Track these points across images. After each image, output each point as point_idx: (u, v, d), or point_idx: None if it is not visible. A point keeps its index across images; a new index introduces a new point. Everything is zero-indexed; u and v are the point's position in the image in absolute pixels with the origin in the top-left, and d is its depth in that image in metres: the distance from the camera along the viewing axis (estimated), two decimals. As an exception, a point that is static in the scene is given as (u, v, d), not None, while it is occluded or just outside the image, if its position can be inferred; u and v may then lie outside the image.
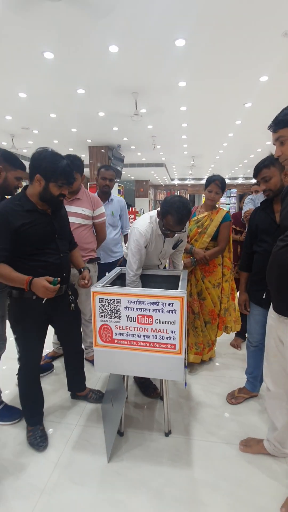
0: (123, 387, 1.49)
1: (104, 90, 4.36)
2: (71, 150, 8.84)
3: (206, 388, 1.97)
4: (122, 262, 2.10)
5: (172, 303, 1.27)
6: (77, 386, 1.80)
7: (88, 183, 8.16)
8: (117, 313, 1.35)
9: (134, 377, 1.98)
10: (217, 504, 1.21)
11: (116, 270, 1.79)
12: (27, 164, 1.41)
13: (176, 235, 1.61)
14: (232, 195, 15.88)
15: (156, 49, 3.22)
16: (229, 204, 15.65)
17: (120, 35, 2.97)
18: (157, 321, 1.31)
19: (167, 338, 1.31)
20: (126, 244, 1.64)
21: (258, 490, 1.26)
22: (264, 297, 1.52)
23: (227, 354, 2.43)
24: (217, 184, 1.99)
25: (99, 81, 4.05)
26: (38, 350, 1.51)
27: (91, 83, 4.14)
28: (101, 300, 1.36)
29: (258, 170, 1.53)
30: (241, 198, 3.11)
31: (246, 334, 1.80)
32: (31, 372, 1.52)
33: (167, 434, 1.55)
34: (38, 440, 1.48)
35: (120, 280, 1.78)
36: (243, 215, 2.46)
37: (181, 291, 1.29)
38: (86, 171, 8.89)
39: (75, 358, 1.74)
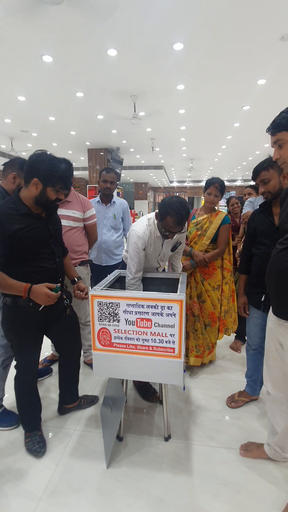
0: (122, 391, 1.47)
1: (103, 93, 4.38)
2: (70, 153, 8.87)
3: (206, 391, 1.95)
4: (122, 265, 2.09)
5: (171, 307, 1.27)
6: (70, 397, 1.72)
7: (87, 185, 8.17)
8: (116, 316, 1.34)
9: (134, 381, 1.96)
10: (217, 511, 1.19)
11: (115, 273, 1.78)
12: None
13: (174, 237, 1.60)
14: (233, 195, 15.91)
15: (155, 52, 3.24)
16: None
17: (119, 38, 2.99)
18: (156, 324, 1.30)
19: (166, 341, 1.30)
20: (125, 247, 1.63)
21: (259, 496, 1.24)
22: (263, 300, 1.52)
23: (227, 357, 2.41)
24: (216, 187, 2.00)
25: (98, 84, 4.07)
26: (35, 358, 1.48)
27: (90, 86, 4.15)
28: (100, 304, 1.35)
29: (257, 173, 1.53)
30: (228, 202, 3.11)
31: (246, 337, 1.79)
32: (28, 379, 1.49)
33: (167, 439, 1.54)
34: (36, 446, 1.45)
35: (119, 283, 1.77)
36: (241, 217, 2.46)
37: (180, 294, 1.29)
38: (85, 173, 8.93)
39: (72, 364, 1.67)
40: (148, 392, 1.87)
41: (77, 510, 1.19)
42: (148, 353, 1.33)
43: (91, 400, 1.80)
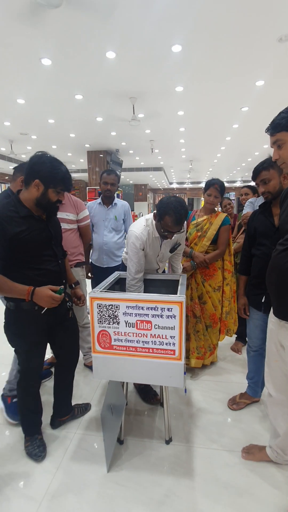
0: (122, 394, 1.46)
1: (102, 95, 4.39)
2: (70, 155, 8.89)
3: (207, 393, 1.94)
4: (122, 267, 2.09)
5: (171, 308, 1.26)
6: (65, 409, 1.65)
7: (87, 187, 8.18)
8: (116, 318, 1.33)
9: (134, 384, 1.95)
10: (219, 515, 1.18)
11: (115, 275, 1.77)
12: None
13: (173, 237, 1.59)
14: (230, 198, 15.95)
15: (153, 54, 3.25)
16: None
17: (117, 41, 3.00)
18: (156, 326, 1.29)
19: (166, 343, 1.29)
20: (125, 249, 1.63)
21: (261, 500, 1.23)
22: (263, 301, 1.51)
23: (228, 358, 2.40)
24: (216, 188, 2.00)
25: (97, 86, 4.09)
26: (40, 362, 1.45)
27: (89, 89, 4.17)
28: (99, 306, 1.34)
29: (257, 172, 1.53)
30: (221, 203, 3.10)
31: (247, 339, 1.78)
32: (32, 384, 1.46)
33: (168, 441, 1.52)
34: (36, 450, 1.43)
35: (119, 285, 1.76)
36: (241, 218, 2.45)
37: (180, 296, 1.28)
38: (85, 175, 8.95)
39: (69, 373, 1.61)
40: (149, 394, 1.86)
41: (77, 515, 1.18)
42: (148, 355, 1.32)
43: (84, 408, 1.76)
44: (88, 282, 2.43)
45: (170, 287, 1.73)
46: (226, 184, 2.46)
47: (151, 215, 1.62)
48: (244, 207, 2.51)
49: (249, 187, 2.67)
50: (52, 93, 4.32)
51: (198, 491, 1.27)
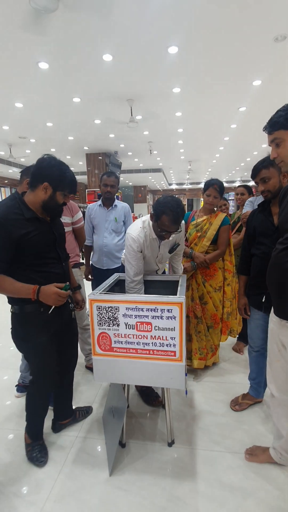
0: (123, 396, 1.45)
1: (100, 98, 4.41)
2: (69, 158, 8.91)
3: (209, 395, 1.92)
4: (122, 268, 2.09)
5: (171, 309, 1.25)
6: (66, 412, 1.65)
7: (86, 189, 8.19)
8: (116, 320, 1.32)
9: (136, 386, 1.94)
10: (224, 518, 1.16)
11: (114, 276, 1.76)
12: None
13: (172, 237, 1.58)
14: (230, 198, 15.96)
15: (150, 56, 3.26)
16: (229, 207, 15.68)
17: (114, 44, 3.01)
18: (156, 328, 1.28)
19: (167, 345, 1.28)
20: (124, 251, 1.62)
21: (266, 503, 1.21)
22: (263, 300, 1.49)
23: (230, 359, 2.38)
24: (215, 188, 1.99)
25: (94, 89, 4.10)
26: (52, 364, 1.41)
27: (87, 92, 4.18)
28: (99, 308, 1.33)
29: (257, 171, 1.52)
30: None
31: (248, 339, 1.76)
32: (46, 387, 1.44)
33: (170, 444, 1.51)
34: (38, 455, 1.42)
35: (118, 287, 1.75)
36: (241, 217, 2.45)
37: (180, 297, 1.27)
38: (84, 178, 8.96)
39: (70, 376, 1.62)
40: (150, 396, 1.84)
41: (79, 521, 1.16)
42: (149, 357, 1.31)
43: (85, 411, 1.74)
44: (88, 284, 2.43)
45: (170, 288, 1.72)
46: (225, 184, 2.46)
47: (147, 217, 1.61)
48: (244, 206, 2.51)
49: (245, 186, 2.66)
50: (50, 97, 4.33)
51: (202, 495, 1.25)
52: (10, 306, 1.33)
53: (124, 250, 1.62)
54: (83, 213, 2.44)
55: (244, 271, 1.68)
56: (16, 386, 1.99)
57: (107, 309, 1.32)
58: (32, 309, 1.27)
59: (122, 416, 1.41)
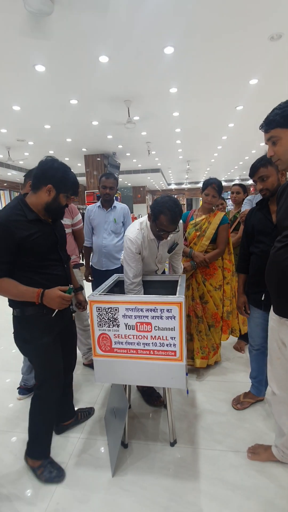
0: (124, 397, 1.45)
1: (97, 99, 4.41)
2: (67, 160, 8.92)
3: (210, 394, 1.92)
4: (121, 269, 2.10)
5: (171, 309, 1.25)
6: (68, 413, 1.64)
7: (85, 191, 8.20)
8: (115, 321, 1.32)
9: (137, 386, 1.94)
10: (227, 517, 1.16)
11: (114, 277, 1.77)
12: (22, 175, 1.40)
13: (170, 237, 1.59)
14: (228, 197, 15.94)
15: (146, 57, 3.27)
16: (227, 206, 15.67)
17: (110, 45, 3.02)
18: (156, 328, 1.28)
19: (167, 345, 1.29)
20: (123, 252, 1.63)
21: (269, 502, 1.21)
22: (263, 299, 1.49)
23: (231, 357, 2.38)
24: (214, 188, 1.99)
25: (91, 91, 4.11)
26: (59, 365, 1.37)
27: (84, 93, 4.19)
28: (99, 309, 1.33)
29: (255, 169, 1.52)
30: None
31: (248, 337, 1.77)
32: (54, 389, 1.36)
33: (172, 444, 1.51)
34: (54, 473, 1.34)
35: (118, 288, 1.75)
36: (239, 216, 2.45)
37: (179, 297, 1.27)
38: (82, 179, 8.96)
39: (70, 374, 1.60)
40: (152, 396, 1.84)
41: (83, 522, 1.17)
42: (149, 357, 1.31)
43: (87, 413, 1.74)
44: (88, 284, 2.43)
45: (169, 288, 1.72)
46: (224, 183, 2.45)
47: (145, 218, 1.61)
48: (242, 205, 2.51)
49: (240, 185, 2.67)
50: (47, 99, 4.34)
51: (205, 494, 1.25)
52: (11, 309, 1.31)
53: (123, 252, 1.62)
54: (82, 214, 2.46)
55: (243, 269, 1.68)
56: (18, 388, 2.00)
57: (107, 310, 1.32)
58: (33, 311, 1.26)
59: (123, 416, 1.41)
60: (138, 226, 1.59)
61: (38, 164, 1.27)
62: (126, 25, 2.70)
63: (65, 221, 2.03)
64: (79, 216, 2.18)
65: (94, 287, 2.41)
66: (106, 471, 1.38)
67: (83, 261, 2.51)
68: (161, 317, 1.27)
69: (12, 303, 1.29)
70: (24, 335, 1.30)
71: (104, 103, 4.57)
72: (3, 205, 8.24)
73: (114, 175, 2.42)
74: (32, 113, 4.92)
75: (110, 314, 1.32)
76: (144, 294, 1.66)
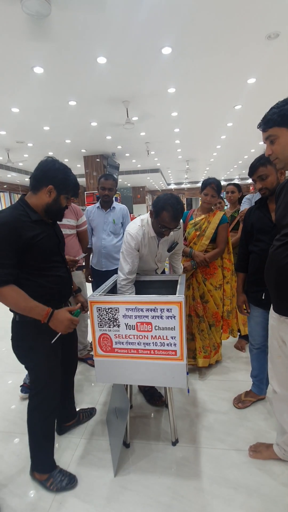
0: (126, 397, 1.45)
1: (95, 100, 4.42)
2: (67, 161, 8.93)
3: (212, 393, 1.93)
4: None
5: (171, 309, 1.25)
6: (70, 414, 1.64)
7: (85, 192, 8.21)
8: (116, 321, 1.32)
9: (139, 386, 1.94)
10: (229, 516, 1.16)
11: (113, 278, 1.77)
12: (22, 176, 1.38)
13: (170, 235, 1.60)
14: (223, 198, 15.93)
15: (143, 58, 3.28)
16: (227, 205, 15.67)
17: (107, 46, 3.03)
18: (156, 327, 1.29)
19: (167, 344, 1.29)
20: (121, 246, 1.64)
21: (271, 500, 1.21)
22: (263, 297, 1.50)
23: (232, 356, 2.39)
24: (213, 187, 2.00)
25: (90, 92, 4.12)
26: (58, 374, 1.34)
27: (82, 95, 4.20)
28: (99, 309, 1.34)
29: (254, 169, 1.52)
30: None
31: (248, 336, 1.77)
32: (54, 404, 1.33)
33: (174, 443, 1.51)
34: (65, 481, 1.30)
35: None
36: (239, 215, 2.45)
37: (179, 296, 1.27)
38: (82, 180, 8.98)
39: (71, 378, 1.59)
40: (154, 396, 1.85)
41: (85, 522, 1.17)
42: (150, 357, 1.31)
43: (89, 413, 1.74)
44: (88, 285, 2.44)
45: (170, 287, 1.73)
46: (224, 183, 2.45)
47: (146, 215, 1.62)
48: (241, 204, 2.51)
49: (234, 184, 2.67)
50: (46, 101, 4.35)
51: (207, 492, 1.26)
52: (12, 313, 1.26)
53: (122, 246, 1.63)
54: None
55: (242, 268, 1.68)
56: (21, 386, 2.00)
57: (107, 310, 1.33)
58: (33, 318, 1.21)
59: (125, 416, 1.41)
60: (139, 223, 1.60)
61: (38, 164, 1.25)
62: (123, 26, 2.71)
63: (70, 222, 2.05)
64: (84, 218, 2.20)
65: (94, 288, 2.41)
66: (109, 471, 1.38)
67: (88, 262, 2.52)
68: (161, 317, 1.27)
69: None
70: (25, 341, 1.24)
71: (102, 104, 4.58)
72: (3, 207, 8.23)
73: (113, 176, 2.43)
74: (31, 115, 4.93)
75: (110, 315, 1.33)
76: (144, 294, 1.66)
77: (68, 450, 1.52)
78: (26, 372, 1.98)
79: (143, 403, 1.86)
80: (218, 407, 1.79)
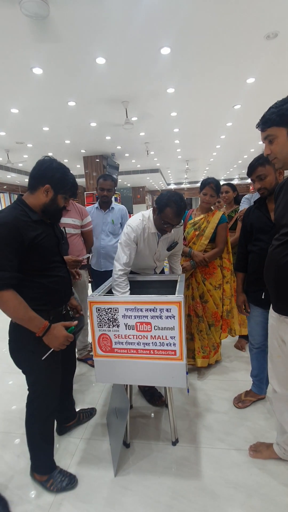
0: (125, 397, 1.45)
1: (95, 101, 4.42)
2: (66, 161, 8.94)
3: (212, 393, 1.93)
4: None
5: (170, 309, 1.25)
6: (69, 414, 1.64)
7: (85, 192, 8.22)
8: (115, 322, 1.33)
9: (139, 386, 1.94)
10: (229, 515, 1.16)
11: (113, 278, 1.77)
12: (22, 177, 1.36)
13: (171, 235, 1.61)
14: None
15: (142, 58, 3.28)
16: (224, 205, 15.65)
17: (106, 47, 3.03)
18: (155, 327, 1.29)
19: (167, 344, 1.29)
20: (120, 236, 1.65)
21: (271, 499, 1.21)
22: (263, 297, 1.50)
23: (232, 356, 2.39)
24: (211, 187, 2.00)
25: (89, 92, 4.12)
26: (58, 379, 1.32)
27: (81, 95, 4.20)
28: (99, 310, 1.34)
29: (253, 168, 1.52)
30: None
31: (248, 336, 1.77)
32: (52, 409, 1.32)
33: (174, 443, 1.51)
34: (65, 481, 1.30)
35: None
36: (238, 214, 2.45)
37: (178, 296, 1.27)
38: (82, 181, 8.98)
39: (70, 379, 1.60)
40: (154, 396, 1.85)
41: (86, 522, 1.17)
42: (150, 357, 1.32)
43: (89, 413, 1.74)
44: (88, 285, 2.44)
45: (169, 287, 1.73)
46: (223, 182, 2.46)
47: (148, 211, 1.64)
48: (240, 204, 2.52)
49: (229, 184, 2.68)
50: (45, 101, 4.35)
51: (207, 492, 1.26)
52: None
53: (120, 237, 1.63)
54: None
55: (241, 268, 1.68)
56: None
57: (106, 310, 1.33)
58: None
59: (125, 416, 1.41)
60: (140, 217, 1.62)
61: (36, 164, 1.23)
62: (122, 27, 2.71)
63: (75, 221, 2.06)
64: (89, 218, 2.20)
65: (93, 288, 2.42)
66: (109, 471, 1.38)
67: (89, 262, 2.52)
68: (161, 317, 1.27)
69: None
70: (27, 345, 1.19)
71: (102, 105, 4.58)
72: (3, 208, 8.24)
73: (112, 177, 2.44)
74: (30, 116, 4.93)
75: (110, 315, 1.33)
76: (143, 294, 1.66)
77: (68, 450, 1.52)
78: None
79: (143, 403, 1.86)
80: (218, 406, 1.79)
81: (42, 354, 1.18)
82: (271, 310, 1.25)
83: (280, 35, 2.97)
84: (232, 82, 4.04)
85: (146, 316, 1.29)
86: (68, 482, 1.31)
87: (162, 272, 2.04)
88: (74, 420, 1.66)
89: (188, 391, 1.48)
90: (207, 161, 10.99)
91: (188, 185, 17.40)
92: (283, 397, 1.27)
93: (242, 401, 1.77)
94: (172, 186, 17.98)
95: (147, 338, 1.30)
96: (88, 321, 1.44)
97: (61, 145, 7.08)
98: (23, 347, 1.20)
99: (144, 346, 1.32)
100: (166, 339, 1.28)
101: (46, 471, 1.33)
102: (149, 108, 4.91)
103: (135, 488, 1.29)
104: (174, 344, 1.28)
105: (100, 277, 2.30)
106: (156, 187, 17.45)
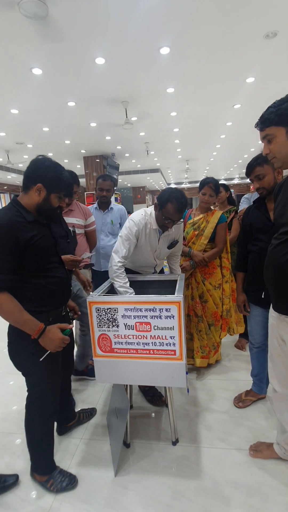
0: (126, 397, 1.45)
1: (94, 101, 4.43)
2: (66, 162, 8.95)
3: (212, 392, 1.93)
4: None
5: (169, 309, 1.25)
6: (69, 414, 1.64)
7: (85, 192, 8.22)
8: (115, 322, 1.33)
9: (139, 386, 1.94)
10: (229, 515, 1.16)
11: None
12: (22, 177, 1.33)
13: (172, 233, 1.61)
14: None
15: (142, 58, 3.28)
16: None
17: (106, 47, 3.03)
18: (155, 327, 1.29)
19: (166, 344, 1.29)
20: (121, 230, 1.66)
21: (271, 499, 1.21)
22: (263, 296, 1.50)
23: (232, 356, 2.39)
24: (210, 187, 2.00)
25: (89, 93, 4.12)
26: (58, 381, 1.32)
27: (81, 95, 4.21)
28: (98, 310, 1.34)
29: (251, 168, 1.52)
30: None
31: (248, 335, 1.77)
32: (53, 410, 1.32)
33: (175, 443, 1.51)
34: (65, 482, 1.30)
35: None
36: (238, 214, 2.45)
37: (178, 296, 1.27)
38: (82, 181, 8.99)
39: (68, 380, 1.59)
40: (154, 396, 1.85)
41: (86, 522, 1.17)
42: (149, 356, 1.32)
43: (89, 413, 1.74)
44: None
45: (169, 287, 1.72)
46: (224, 182, 2.45)
47: (150, 208, 1.66)
48: (240, 203, 2.52)
49: (221, 184, 2.68)
50: (45, 102, 4.36)
51: (208, 492, 1.26)
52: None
53: (121, 230, 1.63)
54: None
55: (241, 268, 1.68)
56: None
57: (106, 310, 1.33)
58: (41, 318, 1.17)
59: (125, 416, 1.41)
60: (143, 213, 1.64)
61: (29, 163, 1.20)
62: (121, 27, 2.72)
63: (79, 221, 2.07)
64: (93, 218, 2.21)
65: (93, 288, 2.42)
66: (109, 471, 1.38)
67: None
68: (160, 317, 1.27)
69: None
70: (27, 347, 1.18)
71: (101, 105, 4.58)
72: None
73: (111, 177, 2.44)
74: (30, 116, 4.94)
75: (109, 315, 1.33)
76: (143, 294, 1.66)
77: (69, 450, 1.52)
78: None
79: (143, 403, 1.86)
80: (219, 406, 1.79)
81: (40, 356, 1.17)
82: (271, 309, 1.25)
83: (280, 35, 2.97)
84: (231, 82, 4.04)
85: (146, 316, 1.29)
86: (68, 482, 1.31)
87: (162, 271, 2.04)
88: (74, 420, 1.66)
89: (188, 391, 1.48)
90: (207, 161, 10.99)
91: (188, 185, 17.39)
92: (283, 397, 1.27)
93: (242, 400, 1.77)
94: (173, 186, 17.96)
95: (146, 338, 1.30)
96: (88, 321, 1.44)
97: (61, 146, 7.09)
98: (22, 349, 1.20)
99: (144, 346, 1.32)
100: (165, 339, 1.28)
101: (46, 472, 1.33)
102: (149, 108, 4.91)
103: (135, 488, 1.29)
104: (174, 344, 1.28)
105: (100, 277, 2.30)
106: (157, 187, 17.45)
